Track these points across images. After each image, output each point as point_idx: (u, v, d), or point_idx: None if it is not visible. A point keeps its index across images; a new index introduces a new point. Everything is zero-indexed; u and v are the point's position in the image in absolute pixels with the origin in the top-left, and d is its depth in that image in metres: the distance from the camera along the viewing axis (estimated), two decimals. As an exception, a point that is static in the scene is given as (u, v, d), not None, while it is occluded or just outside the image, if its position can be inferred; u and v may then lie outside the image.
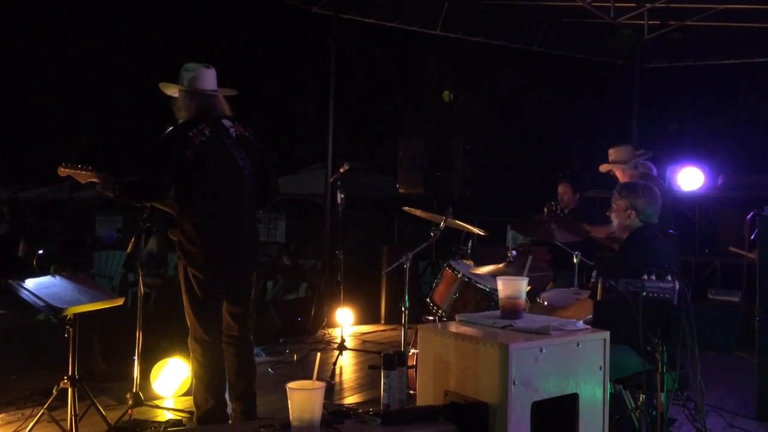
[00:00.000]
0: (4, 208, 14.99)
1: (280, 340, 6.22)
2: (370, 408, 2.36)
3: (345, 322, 6.15)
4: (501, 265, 3.97)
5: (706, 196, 7.69)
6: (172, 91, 3.57)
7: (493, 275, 3.79)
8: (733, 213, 7.18)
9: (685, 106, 15.00)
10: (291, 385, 2.04)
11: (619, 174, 5.05)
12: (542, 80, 16.99)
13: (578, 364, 2.37)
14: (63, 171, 3.61)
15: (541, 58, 10.32)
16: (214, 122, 3.48)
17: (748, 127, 14.24)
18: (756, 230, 4.48)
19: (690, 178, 7.60)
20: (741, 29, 8.19)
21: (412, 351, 4.24)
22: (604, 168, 5.13)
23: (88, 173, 3.54)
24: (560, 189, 6.00)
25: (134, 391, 3.86)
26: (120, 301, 3.76)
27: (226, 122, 3.53)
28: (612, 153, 5.14)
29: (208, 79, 3.51)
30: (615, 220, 3.55)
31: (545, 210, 5.35)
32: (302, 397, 2.02)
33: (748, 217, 5.34)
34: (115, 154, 17.62)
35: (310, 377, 2.18)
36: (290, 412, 2.04)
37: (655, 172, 4.94)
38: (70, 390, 3.46)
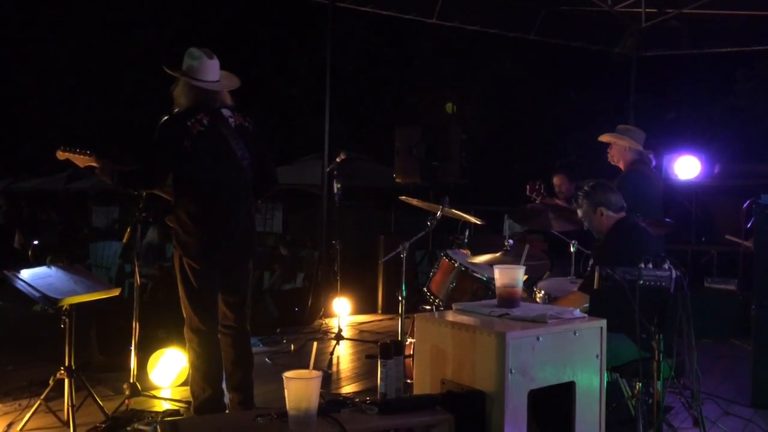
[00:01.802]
0: (1, 199, 14.94)
1: (278, 330, 6.22)
2: (367, 397, 2.36)
3: (342, 312, 6.15)
4: (498, 254, 3.98)
5: (702, 184, 7.70)
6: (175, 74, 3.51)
7: (490, 264, 3.80)
8: (729, 201, 7.19)
9: (682, 94, 14.98)
10: (287, 374, 2.04)
11: (614, 152, 4.82)
12: (539, 69, 16.94)
13: (575, 352, 2.37)
14: (61, 154, 3.56)
15: (538, 46, 10.28)
16: (214, 112, 3.44)
17: (745, 116, 14.23)
18: (752, 219, 4.48)
19: (687, 167, 7.60)
20: (738, 17, 8.17)
21: (409, 340, 4.25)
22: (602, 138, 4.89)
23: (87, 157, 3.50)
24: (556, 180, 5.99)
25: (131, 381, 3.85)
26: (116, 292, 3.76)
27: (226, 112, 3.50)
28: (622, 128, 4.88)
29: (211, 70, 3.44)
30: (593, 225, 3.58)
31: (528, 188, 5.32)
32: (298, 387, 2.02)
33: (745, 205, 5.34)
34: (111, 144, 17.53)
35: (307, 367, 2.18)
36: (287, 401, 2.03)
37: (654, 163, 4.85)
38: (66, 380, 3.46)
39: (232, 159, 3.44)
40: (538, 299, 3.96)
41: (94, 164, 3.48)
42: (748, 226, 4.74)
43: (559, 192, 5.94)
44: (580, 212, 3.63)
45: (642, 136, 4.82)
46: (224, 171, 3.42)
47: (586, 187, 3.64)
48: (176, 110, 3.44)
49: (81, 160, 3.52)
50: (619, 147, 4.73)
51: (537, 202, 5.34)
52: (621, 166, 4.76)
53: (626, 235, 3.43)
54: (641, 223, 3.61)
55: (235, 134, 3.46)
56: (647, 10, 8.17)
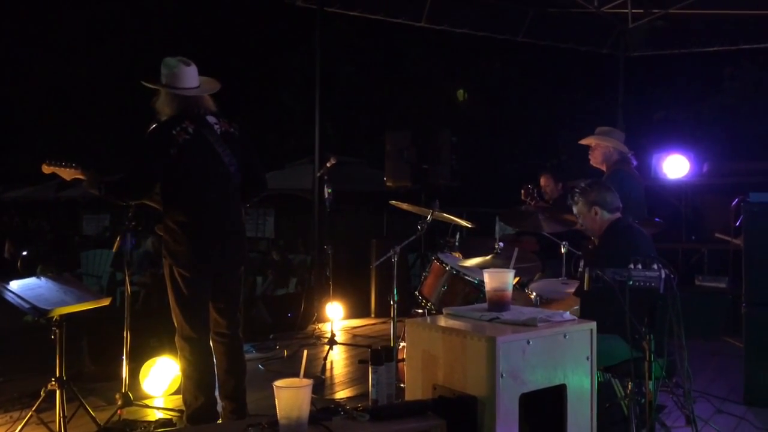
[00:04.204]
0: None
1: (270, 336, 6.21)
2: (360, 403, 2.36)
3: (335, 317, 6.14)
4: (488, 257, 3.98)
5: (691, 183, 7.73)
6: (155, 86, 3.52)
7: (482, 267, 3.80)
8: (718, 200, 7.23)
9: (670, 94, 15.06)
10: (278, 383, 2.03)
11: (598, 154, 4.78)
12: (528, 70, 17.00)
13: (565, 354, 2.38)
14: (47, 168, 3.53)
15: (527, 48, 10.31)
16: (198, 119, 3.44)
17: (733, 114, 14.32)
18: (741, 216, 4.50)
19: (675, 166, 7.64)
20: (724, 16, 8.22)
21: (402, 344, 4.24)
22: (585, 141, 4.92)
23: (73, 170, 3.48)
24: (542, 181, 6.02)
25: (123, 391, 3.83)
26: (107, 301, 3.73)
27: (211, 119, 3.49)
28: (603, 129, 4.88)
29: (189, 77, 3.44)
30: (587, 224, 3.58)
31: (522, 193, 5.34)
32: (289, 395, 2.01)
33: (734, 203, 5.37)
34: (100, 152, 17.49)
35: (299, 374, 2.17)
36: (278, 410, 2.03)
37: (635, 163, 4.86)
38: (58, 391, 3.43)
39: (219, 165, 3.43)
40: (531, 299, 3.96)
41: (80, 176, 3.46)
42: (737, 224, 4.77)
43: (545, 192, 5.96)
44: (575, 209, 3.62)
45: (623, 136, 4.84)
46: (212, 178, 3.42)
47: (582, 184, 3.62)
48: (162, 119, 3.43)
49: (67, 173, 3.49)
50: (604, 148, 4.75)
51: (531, 205, 5.36)
52: (604, 167, 4.77)
53: (621, 236, 3.44)
54: (635, 224, 3.62)
55: (220, 140, 3.46)
56: (633, 10, 8.22)
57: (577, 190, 3.61)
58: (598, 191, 3.53)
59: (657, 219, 4.53)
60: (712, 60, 12.22)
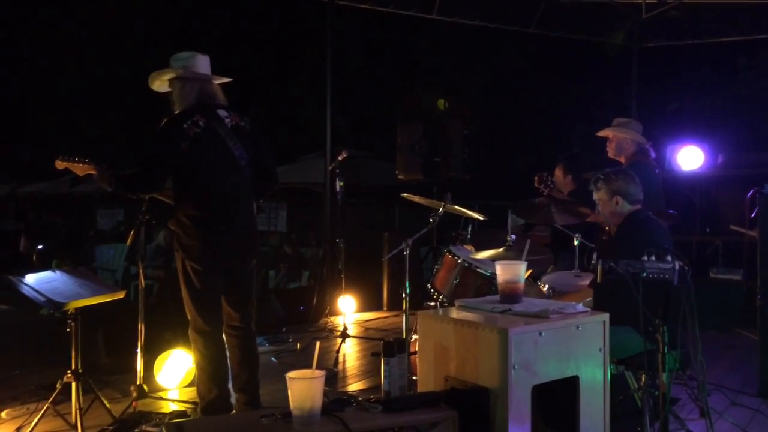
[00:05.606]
0: (10, 204, 15.01)
1: (283, 329, 6.24)
2: (372, 395, 2.36)
3: (347, 310, 6.16)
4: (501, 250, 3.98)
5: (706, 175, 7.67)
6: (163, 84, 3.54)
7: (493, 260, 3.80)
8: (733, 191, 7.16)
9: (685, 85, 14.91)
10: (290, 374, 2.05)
11: (615, 146, 4.76)
12: (541, 62, 16.88)
13: (578, 346, 2.37)
14: (60, 164, 3.58)
15: (540, 39, 10.26)
16: (210, 112, 3.45)
17: (748, 105, 14.15)
18: (756, 208, 4.46)
19: (690, 158, 7.58)
20: (738, 6, 8.13)
21: (414, 337, 4.25)
22: (602, 133, 4.90)
23: (86, 166, 3.52)
24: (555, 171, 5.99)
25: (138, 383, 3.87)
26: (121, 295, 3.77)
27: (222, 112, 3.51)
28: (621, 121, 4.86)
29: (203, 65, 3.49)
30: (605, 213, 3.52)
31: (536, 180, 5.32)
32: (302, 387, 2.03)
33: (749, 195, 5.32)
34: (113, 147, 17.58)
35: (311, 366, 2.18)
36: (290, 401, 2.04)
37: (653, 155, 4.81)
38: (74, 384, 3.47)
39: (230, 159, 3.45)
40: (544, 288, 3.95)
41: (92, 172, 3.49)
42: (753, 215, 4.72)
43: (557, 183, 5.93)
44: (595, 195, 3.54)
45: (641, 127, 4.80)
46: (223, 172, 3.43)
47: (608, 170, 3.56)
48: (174, 112, 3.45)
49: (80, 169, 3.53)
50: (621, 140, 4.71)
51: (545, 194, 5.32)
52: (621, 159, 4.74)
53: (639, 228, 3.40)
54: (653, 217, 3.58)
55: (231, 134, 3.47)
56: (647, 1, 8.14)
57: (601, 176, 3.52)
58: (623, 180, 3.45)
59: (671, 211, 4.50)
60: (727, 50, 12.09)
